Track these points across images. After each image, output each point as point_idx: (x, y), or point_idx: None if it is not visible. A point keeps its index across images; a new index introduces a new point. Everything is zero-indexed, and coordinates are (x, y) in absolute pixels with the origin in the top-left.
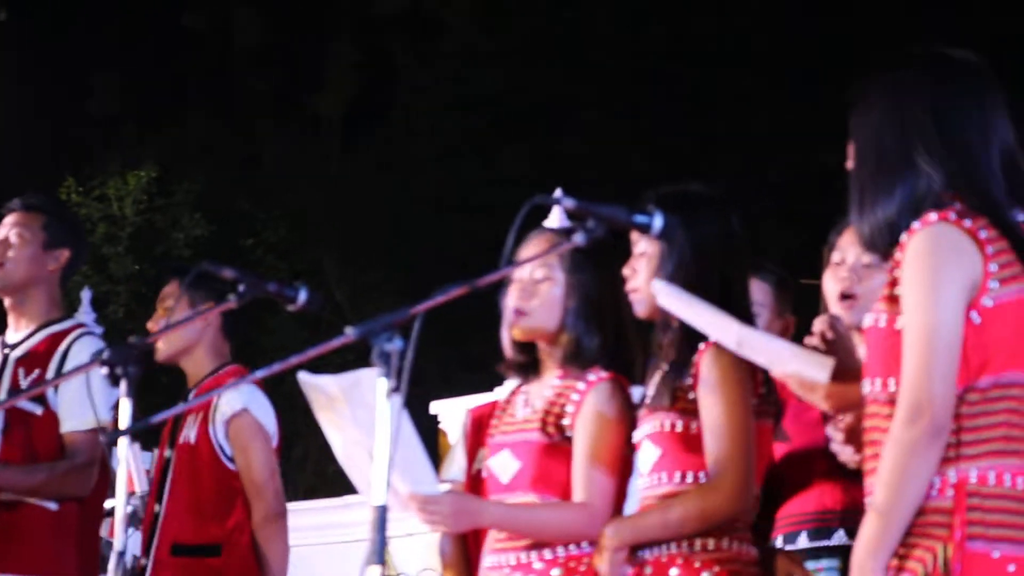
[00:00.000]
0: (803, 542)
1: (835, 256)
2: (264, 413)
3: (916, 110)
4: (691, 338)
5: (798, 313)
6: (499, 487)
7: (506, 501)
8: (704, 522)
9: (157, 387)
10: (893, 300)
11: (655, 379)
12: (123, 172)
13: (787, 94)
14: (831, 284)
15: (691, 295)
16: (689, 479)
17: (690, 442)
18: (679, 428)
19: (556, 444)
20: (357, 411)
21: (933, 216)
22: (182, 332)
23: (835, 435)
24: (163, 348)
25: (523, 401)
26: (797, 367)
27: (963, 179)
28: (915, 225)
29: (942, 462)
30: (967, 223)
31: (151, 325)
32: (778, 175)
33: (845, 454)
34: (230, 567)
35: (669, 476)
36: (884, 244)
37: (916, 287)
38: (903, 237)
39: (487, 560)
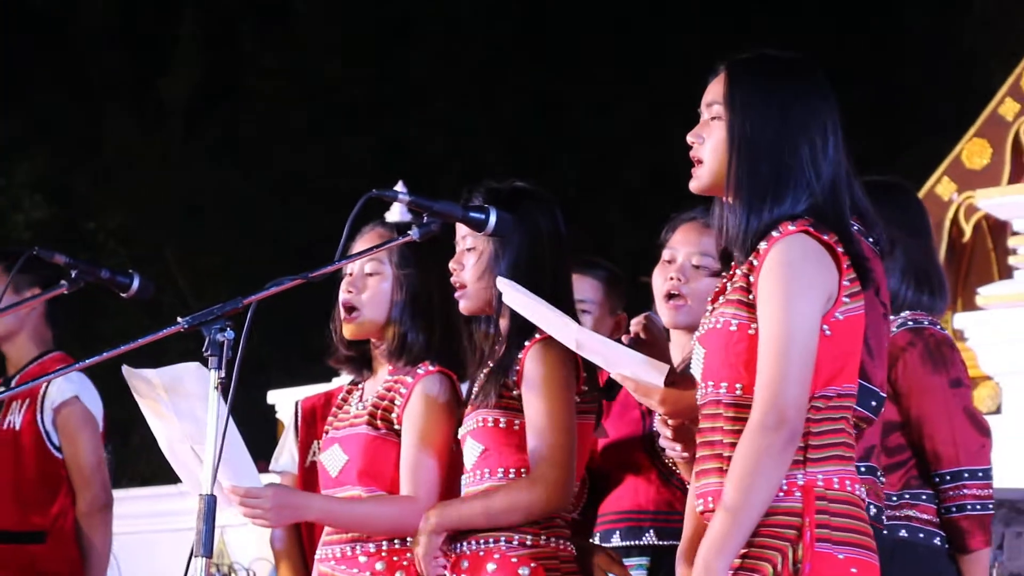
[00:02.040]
0: (616, 541)
1: (665, 254)
2: (93, 402)
3: (819, 123)
4: (518, 335)
5: (639, 310)
6: (329, 481)
7: (335, 495)
8: (524, 514)
9: None
10: (743, 305)
11: (480, 376)
12: None
13: (641, 91)
14: (659, 282)
15: (532, 294)
16: (512, 476)
17: (513, 439)
18: (502, 424)
19: (383, 437)
20: (179, 403)
21: (792, 227)
22: (4, 318)
23: (664, 431)
24: None
25: (358, 397)
26: (633, 370)
27: (826, 206)
28: (774, 234)
29: (792, 465)
30: (826, 236)
31: None
32: (630, 173)
33: (673, 451)
34: (54, 554)
35: (492, 472)
36: (749, 249)
37: (777, 295)
38: (762, 245)
39: (318, 552)
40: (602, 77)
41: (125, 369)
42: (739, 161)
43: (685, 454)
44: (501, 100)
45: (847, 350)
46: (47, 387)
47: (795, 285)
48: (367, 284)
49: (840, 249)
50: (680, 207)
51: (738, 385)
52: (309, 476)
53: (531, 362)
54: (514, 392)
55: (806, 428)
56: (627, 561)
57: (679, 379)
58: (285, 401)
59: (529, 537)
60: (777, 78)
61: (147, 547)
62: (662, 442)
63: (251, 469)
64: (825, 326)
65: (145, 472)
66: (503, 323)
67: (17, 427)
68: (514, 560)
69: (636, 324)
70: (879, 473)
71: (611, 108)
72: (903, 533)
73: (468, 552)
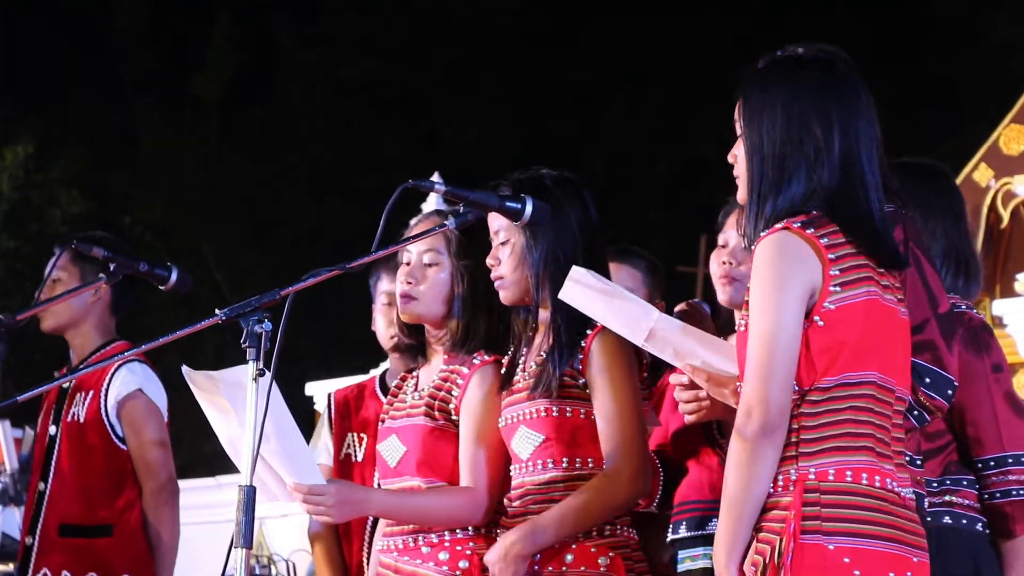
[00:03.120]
0: (683, 531)
1: (720, 238)
2: (157, 393)
3: (812, 117)
4: (577, 323)
5: (677, 300)
6: (387, 471)
7: (393, 485)
8: (608, 512)
9: (30, 365)
10: (748, 305)
11: (527, 364)
12: None
13: (671, 86)
14: (714, 266)
15: (608, 282)
16: (578, 465)
17: (578, 429)
18: (568, 413)
19: (441, 428)
20: (238, 402)
21: (778, 225)
22: (70, 304)
23: (685, 406)
24: (50, 318)
25: (413, 386)
26: (707, 359)
27: (840, 188)
28: (763, 233)
29: (784, 461)
30: (809, 231)
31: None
32: (663, 164)
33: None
34: (121, 547)
35: (556, 462)
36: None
37: (757, 293)
38: (754, 245)
39: (378, 543)
40: (633, 68)
41: (185, 369)
42: (752, 170)
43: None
44: (534, 93)
45: (844, 338)
46: (111, 379)
47: (771, 283)
48: (426, 275)
49: (825, 242)
50: (712, 197)
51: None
52: (344, 467)
53: (598, 349)
54: (579, 380)
55: (798, 423)
56: (694, 551)
57: None
58: (322, 393)
59: (606, 527)
60: (778, 82)
61: (185, 539)
62: (682, 406)
63: (312, 465)
64: (816, 317)
65: (185, 464)
66: (543, 313)
67: (81, 419)
68: (593, 550)
69: (679, 309)
70: (918, 461)
71: (643, 100)
72: (947, 520)
73: None
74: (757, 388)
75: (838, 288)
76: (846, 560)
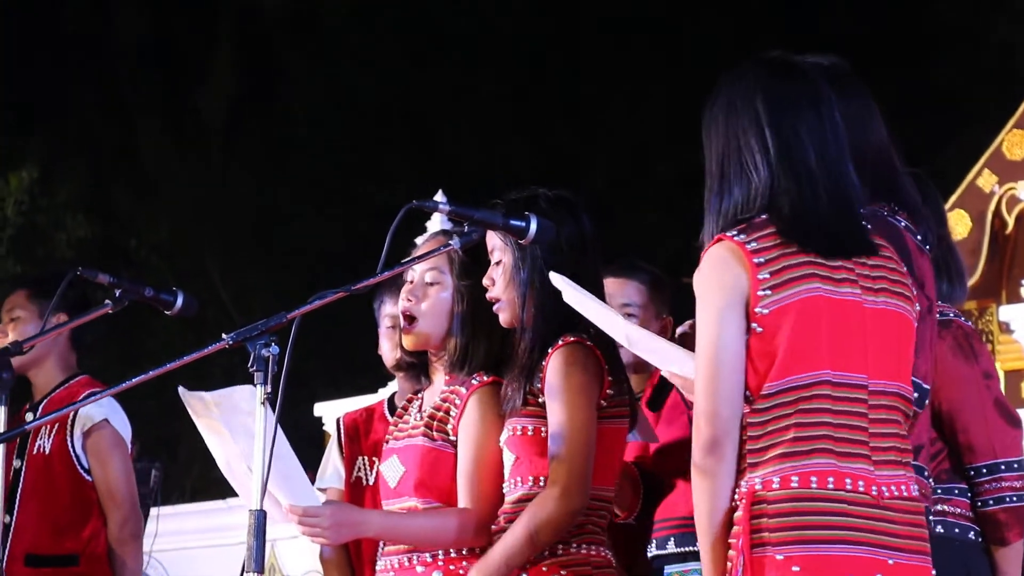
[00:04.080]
0: (671, 547)
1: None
2: (123, 425)
3: (747, 121)
4: (543, 343)
5: (683, 312)
6: (388, 492)
7: (393, 506)
8: (552, 532)
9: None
10: None
11: (510, 384)
12: (3, 173)
13: (675, 92)
14: None
15: (583, 290)
16: (541, 483)
17: (541, 446)
18: (530, 432)
19: (439, 448)
20: (234, 423)
21: (715, 237)
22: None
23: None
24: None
25: (417, 407)
26: (683, 368)
27: (777, 184)
28: (704, 248)
29: (738, 474)
30: (740, 238)
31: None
32: (664, 174)
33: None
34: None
35: (523, 480)
36: None
37: (697, 310)
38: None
39: (378, 563)
40: (633, 74)
41: (181, 390)
42: (707, 186)
43: None
44: (533, 102)
45: (782, 341)
46: (76, 412)
47: (703, 299)
48: (427, 293)
49: (752, 246)
50: None
51: None
52: (355, 491)
53: (551, 368)
54: (540, 399)
55: (743, 435)
56: (684, 566)
57: None
58: (331, 413)
59: (559, 546)
60: (719, 96)
61: (196, 562)
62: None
63: (307, 487)
64: (754, 324)
65: (195, 486)
66: (530, 330)
67: (47, 451)
68: (544, 570)
69: (686, 327)
70: (926, 473)
71: (642, 106)
72: (939, 529)
73: None
74: (700, 403)
75: (768, 291)
76: (795, 569)
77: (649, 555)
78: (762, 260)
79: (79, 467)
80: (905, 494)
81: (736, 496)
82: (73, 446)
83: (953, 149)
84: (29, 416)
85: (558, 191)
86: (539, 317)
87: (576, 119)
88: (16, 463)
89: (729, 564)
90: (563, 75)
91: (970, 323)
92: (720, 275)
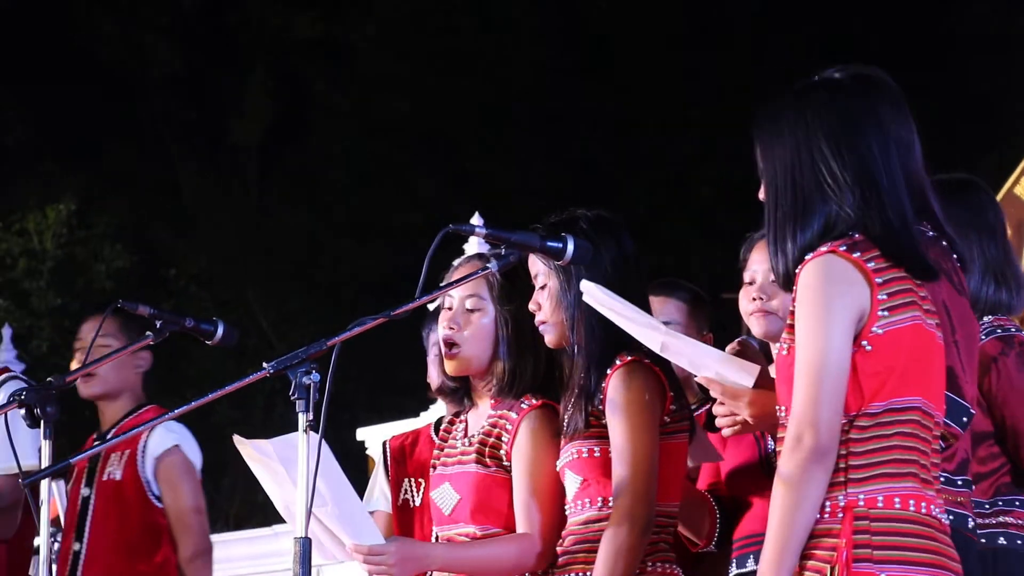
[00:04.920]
0: (751, 565)
1: (746, 275)
2: (193, 451)
3: (818, 141)
4: (600, 362)
5: (723, 327)
6: (442, 518)
7: (448, 533)
8: (628, 559)
9: (82, 423)
10: (791, 329)
11: (569, 407)
12: (42, 206)
13: (710, 111)
14: (744, 303)
15: (616, 296)
16: (611, 504)
17: (608, 466)
18: (597, 454)
19: (493, 475)
20: (291, 469)
21: (823, 248)
22: (119, 372)
23: (720, 419)
24: (97, 385)
25: (462, 431)
26: (721, 370)
27: (863, 204)
28: (807, 257)
29: (833, 487)
30: (855, 255)
31: (74, 365)
32: (701, 194)
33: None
34: None
35: (592, 502)
36: (790, 280)
37: (806, 318)
38: (798, 270)
39: None
40: (670, 96)
41: (237, 439)
42: (769, 203)
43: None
44: (569, 124)
45: (893, 363)
46: (147, 439)
47: (819, 307)
48: (469, 320)
49: (872, 266)
50: (755, 221)
51: (785, 408)
52: (403, 513)
53: (613, 387)
54: (603, 420)
55: (847, 448)
56: None
57: (770, 382)
58: (374, 438)
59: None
60: (786, 110)
61: None
62: (719, 421)
63: (369, 524)
64: (864, 342)
65: (239, 514)
66: (585, 350)
67: (118, 478)
68: None
69: (730, 349)
70: (972, 485)
71: (680, 126)
72: (1002, 541)
73: None
74: (808, 412)
75: (886, 312)
76: None
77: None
78: (881, 280)
79: (150, 494)
80: (948, 520)
81: (827, 508)
82: (144, 472)
83: (993, 157)
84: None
85: (598, 211)
86: (591, 338)
87: (612, 140)
88: (85, 491)
89: (814, 575)
90: (600, 95)
91: None
92: (841, 287)
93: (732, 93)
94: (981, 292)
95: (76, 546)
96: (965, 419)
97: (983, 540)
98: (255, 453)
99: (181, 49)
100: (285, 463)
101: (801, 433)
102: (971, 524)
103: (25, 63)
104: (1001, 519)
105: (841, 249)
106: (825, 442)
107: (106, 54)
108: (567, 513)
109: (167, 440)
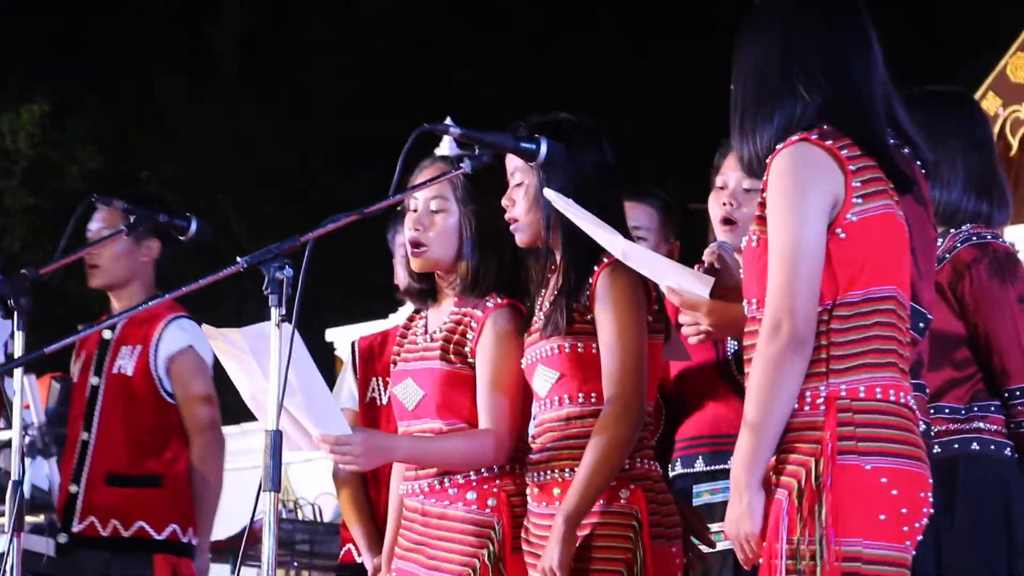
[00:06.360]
0: (699, 465)
1: (718, 180)
2: (206, 350)
3: (799, 38)
4: (586, 261)
5: (690, 237)
6: (405, 413)
7: (413, 427)
8: (621, 450)
9: (54, 319)
10: (762, 220)
11: (543, 304)
12: (16, 106)
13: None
14: (715, 208)
15: (578, 206)
16: (593, 400)
17: (589, 363)
18: (579, 349)
19: (458, 371)
20: (262, 359)
21: (795, 137)
22: (124, 261)
23: (686, 327)
24: (102, 276)
25: (422, 327)
26: (679, 281)
27: (837, 106)
28: (779, 146)
29: (813, 377)
30: (828, 142)
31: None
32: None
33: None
34: (170, 497)
35: (572, 398)
36: (761, 169)
37: (778, 206)
38: (769, 159)
39: (400, 487)
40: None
41: (207, 328)
42: (738, 93)
43: (698, 339)
44: (546, 43)
45: (868, 252)
46: (160, 335)
47: (793, 195)
48: (434, 221)
49: (845, 153)
50: (723, 133)
51: (755, 300)
52: (369, 411)
53: (603, 284)
54: (587, 316)
55: (827, 339)
56: (714, 485)
57: (726, 291)
58: (343, 339)
59: (625, 462)
60: (766, 13)
61: None
62: (685, 330)
63: (337, 415)
64: (838, 229)
65: None
66: (558, 252)
67: (129, 372)
68: (612, 483)
69: (709, 254)
70: (926, 389)
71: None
72: (975, 446)
73: (561, 480)
74: (784, 301)
75: (860, 200)
76: (883, 480)
77: (671, 475)
78: (855, 167)
79: (162, 390)
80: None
81: (807, 399)
82: (156, 369)
83: (963, 74)
84: (107, 333)
85: (581, 116)
86: (571, 238)
87: (596, 67)
88: (94, 380)
89: (798, 468)
90: (578, 10)
91: (1007, 244)
92: (814, 173)
93: (702, 16)
94: (961, 203)
95: (84, 435)
96: (922, 324)
97: (956, 446)
98: (224, 344)
99: None
100: (255, 353)
101: (779, 321)
102: (922, 427)
103: None
104: (975, 424)
105: (814, 137)
106: (802, 330)
107: None
108: (539, 409)
109: (181, 340)
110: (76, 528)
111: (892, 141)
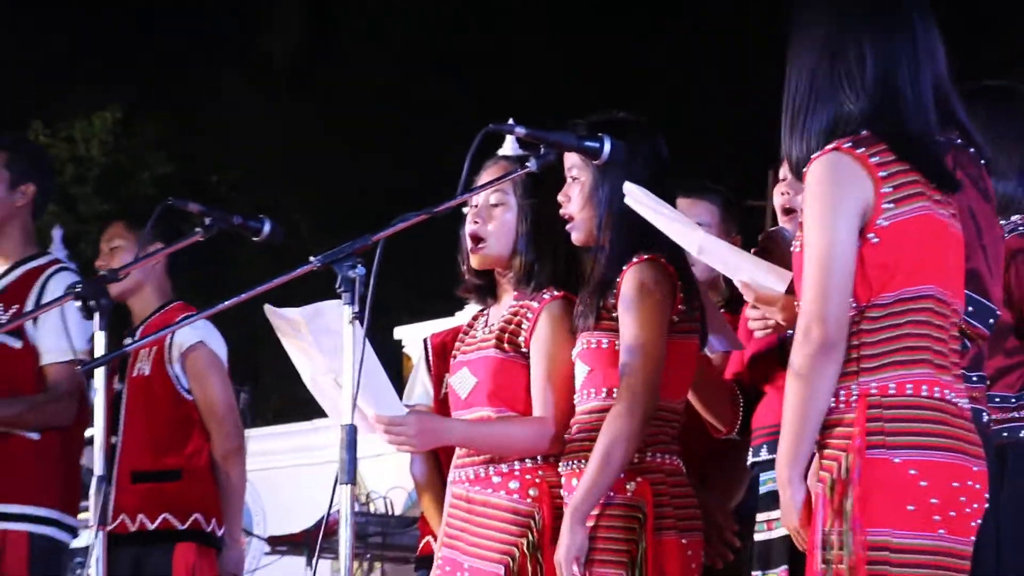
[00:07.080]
0: (764, 454)
1: (781, 171)
2: (219, 345)
3: (846, 40)
4: (618, 259)
5: (748, 234)
6: (458, 402)
7: (465, 416)
8: (624, 446)
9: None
10: (804, 228)
11: (583, 300)
12: (88, 114)
13: (733, 15)
14: (776, 197)
15: (657, 198)
16: (613, 395)
17: (613, 359)
18: (604, 345)
19: (512, 359)
20: (321, 339)
21: (830, 146)
22: (131, 272)
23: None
24: (114, 287)
25: (483, 323)
26: (754, 275)
27: (879, 111)
28: (814, 155)
29: (846, 376)
30: (859, 150)
31: (99, 263)
32: (730, 97)
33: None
34: (190, 488)
35: (597, 392)
36: (802, 176)
37: (811, 213)
38: (806, 168)
39: (451, 474)
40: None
41: (267, 308)
42: (786, 96)
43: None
44: (584, 47)
45: (902, 254)
46: (172, 335)
47: (823, 204)
48: (493, 215)
49: (876, 160)
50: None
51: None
52: (444, 408)
53: (626, 282)
54: (613, 313)
55: (859, 339)
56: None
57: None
58: (411, 336)
59: (635, 455)
60: (815, 10)
61: (285, 482)
62: (751, 323)
63: (393, 397)
64: (870, 234)
65: (277, 411)
66: (607, 247)
67: (147, 373)
68: (621, 476)
69: (763, 237)
70: (986, 380)
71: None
72: (1023, 434)
73: (577, 470)
74: (815, 305)
75: (891, 205)
76: (912, 472)
77: (748, 463)
78: (885, 174)
79: (178, 386)
80: (968, 406)
81: (841, 397)
82: (171, 366)
83: (1018, 71)
84: (128, 341)
85: (636, 115)
86: (615, 236)
87: (637, 49)
88: (118, 386)
89: (831, 463)
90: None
91: None
92: (844, 183)
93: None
94: (1016, 196)
95: (113, 439)
96: (992, 320)
97: (1005, 434)
98: (284, 325)
99: None
100: (314, 332)
101: (809, 326)
102: (986, 418)
103: None
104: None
105: (845, 146)
106: (832, 335)
107: None
108: (575, 402)
109: (192, 336)
110: (108, 528)
111: (958, 141)
